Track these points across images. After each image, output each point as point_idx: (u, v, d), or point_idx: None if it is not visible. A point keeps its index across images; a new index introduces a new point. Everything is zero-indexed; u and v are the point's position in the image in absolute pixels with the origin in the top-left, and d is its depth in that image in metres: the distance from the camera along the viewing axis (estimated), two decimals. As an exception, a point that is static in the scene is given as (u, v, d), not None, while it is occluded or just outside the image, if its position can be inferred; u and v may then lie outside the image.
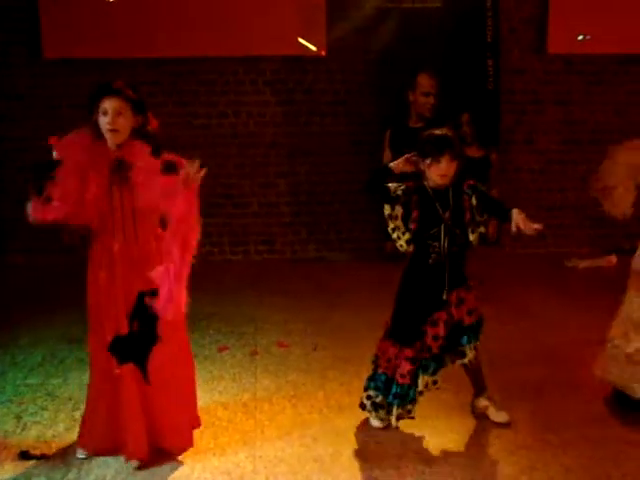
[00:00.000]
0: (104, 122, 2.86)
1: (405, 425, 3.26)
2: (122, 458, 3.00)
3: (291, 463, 3.01)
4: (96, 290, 2.94)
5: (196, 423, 3.22)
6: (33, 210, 2.87)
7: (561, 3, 6.22)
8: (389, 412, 3.24)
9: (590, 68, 6.42)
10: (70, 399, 3.60)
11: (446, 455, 3.09)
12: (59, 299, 4.96)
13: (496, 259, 5.89)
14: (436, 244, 3.12)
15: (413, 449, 3.12)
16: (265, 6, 6.02)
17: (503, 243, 6.28)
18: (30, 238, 5.44)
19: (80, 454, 3.06)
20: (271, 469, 2.97)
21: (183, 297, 2.85)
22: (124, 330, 2.93)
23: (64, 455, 3.08)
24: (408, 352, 3.16)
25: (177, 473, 2.95)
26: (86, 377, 3.38)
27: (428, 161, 3.10)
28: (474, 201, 3.13)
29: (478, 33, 6.18)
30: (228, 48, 6.10)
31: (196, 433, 3.18)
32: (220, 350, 4.23)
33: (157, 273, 2.82)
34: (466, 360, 3.24)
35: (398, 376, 3.18)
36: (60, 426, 3.33)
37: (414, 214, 3.12)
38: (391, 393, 3.21)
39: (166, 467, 2.98)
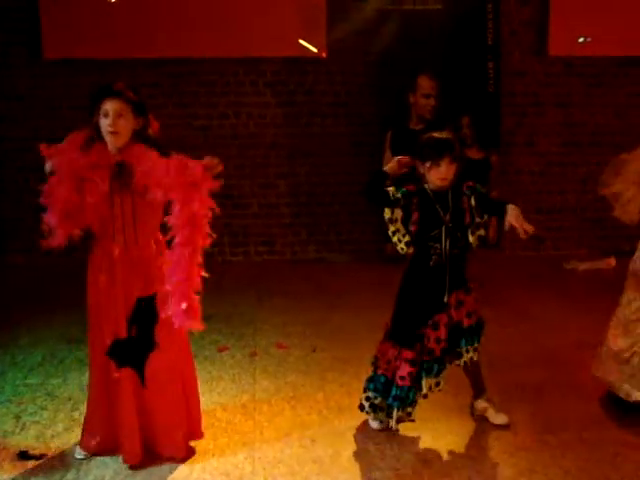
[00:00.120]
0: (105, 124, 2.84)
1: (404, 427, 3.25)
2: (121, 459, 3.00)
3: (290, 464, 3.01)
4: (96, 293, 2.94)
5: (196, 434, 3.15)
6: (42, 243, 2.85)
7: (562, 5, 6.23)
8: (389, 414, 3.23)
9: (590, 70, 6.43)
10: (69, 399, 3.60)
11: (445, 457, 3.09)
12: (59, 299, 4.96)
13: (496, 261, 5.89)
14: (437, 246, 3.12)
15: (412, 451, 3.12)
16: (265, 7, 6.03)
17: (503, 246, 6.29)
18: (30, 238, 5.44)
19: (79, 454, 3.06)
20: (270, 470, 2.97)
21: (197, 303, 2.83)
22: (123, 334, 2.92)
23: (63, 455, 3.08)
24: (408, 354, 3.16)
25: (176, 474, 2.95)
26: (85, 377, 3.38)
27: (428, 164, 3.11)
28: (473, 202, 3.13)
29: (479, 35, 6.18)
30: (228, 49, 6.11)
31: (196, 434, 3.19)
32: (220, 350, 4.23)
33: (171, 285, 2.80)
34: (461, 362, 3.23)
35: (398, 378, 3.18)
36: (59, 426, 3.33)
37: (414, 216, 3.13)
38: (391, 395, 3.20)
39: (165, 468, 2.98)
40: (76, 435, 3.18)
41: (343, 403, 3.55)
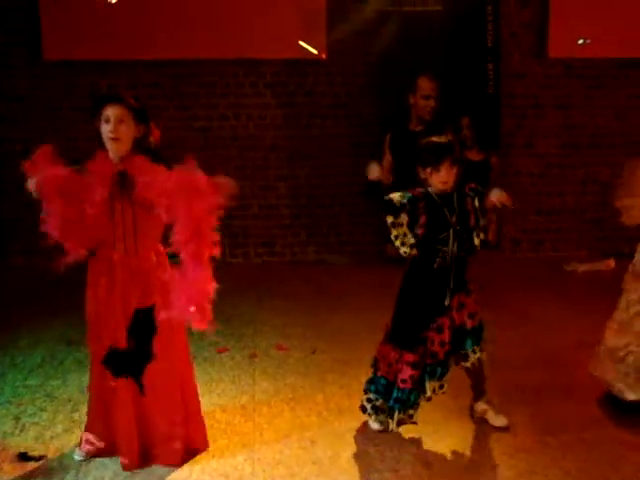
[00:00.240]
0: (106, 130, 2.83)
1: (404, 428, 3.25)
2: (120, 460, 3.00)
3: (290, 465, 3.01)
4: (95, 301, 2.93)
5: (199, 444, 3.10)
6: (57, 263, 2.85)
7: (561, 7, 6.23)
8: (390, 416, 3.23)
9: (590, 72, 6.44)
10: (69, 400, 3.60)
11: (445, 459, 3.09)
12: (59, 301, 4.95)
13: (496, 264, 5.89)
14: (445, 249, 3.12)
15: (412, 452, 3.12)
16: (265, 9, 6.03)
17: (503, 247, 6.30)
18: (30, 240, 5.43)
19: (78, 456, 3.06)
20: (269, 471, 2.97)
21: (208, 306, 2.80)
22: (121, 343, 2.91)
23: (62, 457, 3.08)
24: (409, 357, 3.16)
25: (175, 475, 2.95)
26: (85, 379, 3.39)
27: (428, 170, 3.12)
28: (477, 203, 3.15)
29: (479, 37, 6.19)
30: (228, 50, 6.11)
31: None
32: (219, 352, 4.23)
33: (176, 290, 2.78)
34: (469, 363, 3.23)
35: (399, 381, 3.17)
36: (59, 427, 3.33)
37: (422, 219, 3.11)
38: (392, 398, 3.20)
39: (164, 469, 2.97)
40: (76, 436, 3.18)
41: (343, 405, 3.55)
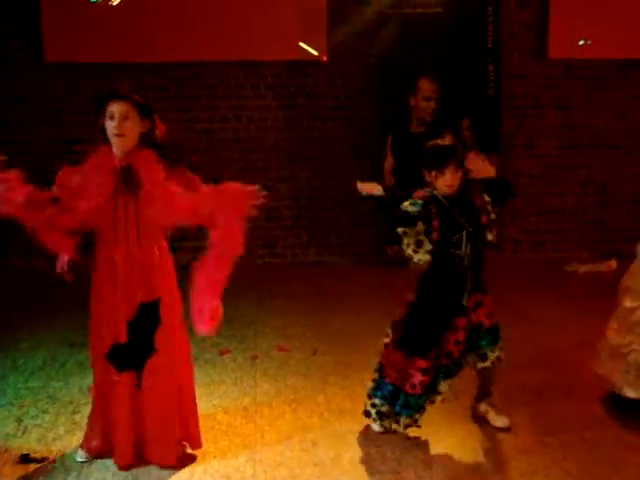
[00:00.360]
0: (111, 126, 2.82)
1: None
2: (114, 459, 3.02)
3: (291, 467, 3.02)
4: (98, 297, 2.94)
5: (194, 443, 3.10)
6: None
7: (562, 8, 6.24)
8: (396, 421, 3.21)
9: (590, 73, 6.44)
10: (71, 402, 3.61)
11: (446, 460, 3.09)
12: (60, 302, 4.96)
13: (496, 264, 5.86)
14: (458, 252, 3.11)
15: (413, 453, 3.12)
16: (266, 11, 6.04)
17: (503, 248, 6.30)
18: (30, 241, 5.44)
19: (79, 457, 3.06)
20: (271, 473, 2.98)
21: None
22: (123, 338, 2.92)
23: (64, 458, 3.08)
24: (421, 363, 3.12)
25: (177, 477, 2.96)
26: (87, 380, 3.39)
27: (433, 173, 3.11)
28: (487, 197, 3.14)
29: (479, 38, 6.19)
30: (229, 52, 6.12)
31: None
32: (221, 353, 4.23)
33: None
34: (488, 363, 3.22)
35: (408, 386, 3.14)
36: (61, 429, 3.33)
37: (435, 224, 3.09)
38: (398, 403, 3.17)
39: (166, 470, 2.98)
40: (77, 438, 3.18)
41: (344, 406, 3.55)
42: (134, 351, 2.93)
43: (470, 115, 5.77)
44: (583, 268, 6.03)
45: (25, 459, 3.06)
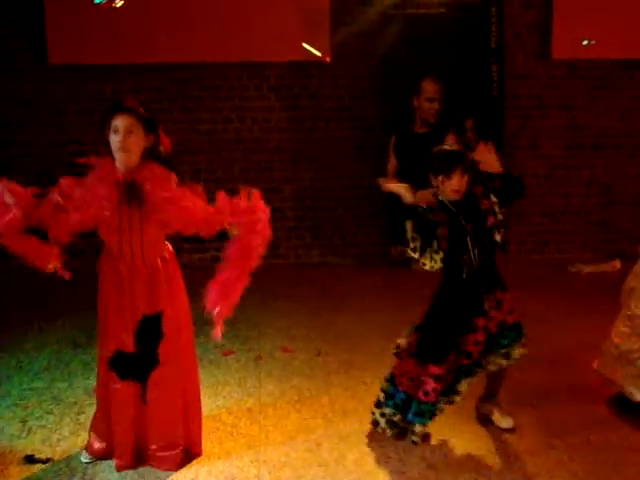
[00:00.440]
0: (115, 140, 2.80)
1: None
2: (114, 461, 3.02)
3: (295, 467, 3.02)
4: (104, 305, 2.96)
5: (195, 451, 3.09)
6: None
7: (565, 8, 6.23)
8: (412, 432, 3.18)
9: (594, 73, 6.43)
10: (75, 403, 3.61)
11: (451, 460, 3.09)
12: (64, 303, 4.97)
13: (500, 264, 5.87)
14: (466, 257, 3.10)
15: (418, 454, 3.12)
16: (269, 11, 6.04)
17: (507, 249, 6.28)
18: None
19: (84, 458, 3.07)
20: (275, 473, 2.98)
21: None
22: (128, 347, 2.92)
23: (69, 459, 3.09)
24: (435, 369, 3.10)
25: (181, 477, 2.96)
26: (91, 381, 3.39)
27: (440, 178, 3.10)
28: (494, 198, 3.12)
29: (482, 39, 6.18)
30: (232, 54, 6.12)
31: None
32: (225, 354, 4.23)
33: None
34: (512, 361, 3.19)
35: (421, 394, 3.12)
36: (65, 430, 3.34)
37: (443, 231, 3.08)
38: (411, 411, 3.15)
39: (170, 472, 2.98)
40: (82, 439, 3.19)
41: (348, 406, 3.55)
42: (138, 362, 2.94)
43: (474, 116, 5.76)
44: (587, 268, 6.02)
45: (30, 460, 3.07)
